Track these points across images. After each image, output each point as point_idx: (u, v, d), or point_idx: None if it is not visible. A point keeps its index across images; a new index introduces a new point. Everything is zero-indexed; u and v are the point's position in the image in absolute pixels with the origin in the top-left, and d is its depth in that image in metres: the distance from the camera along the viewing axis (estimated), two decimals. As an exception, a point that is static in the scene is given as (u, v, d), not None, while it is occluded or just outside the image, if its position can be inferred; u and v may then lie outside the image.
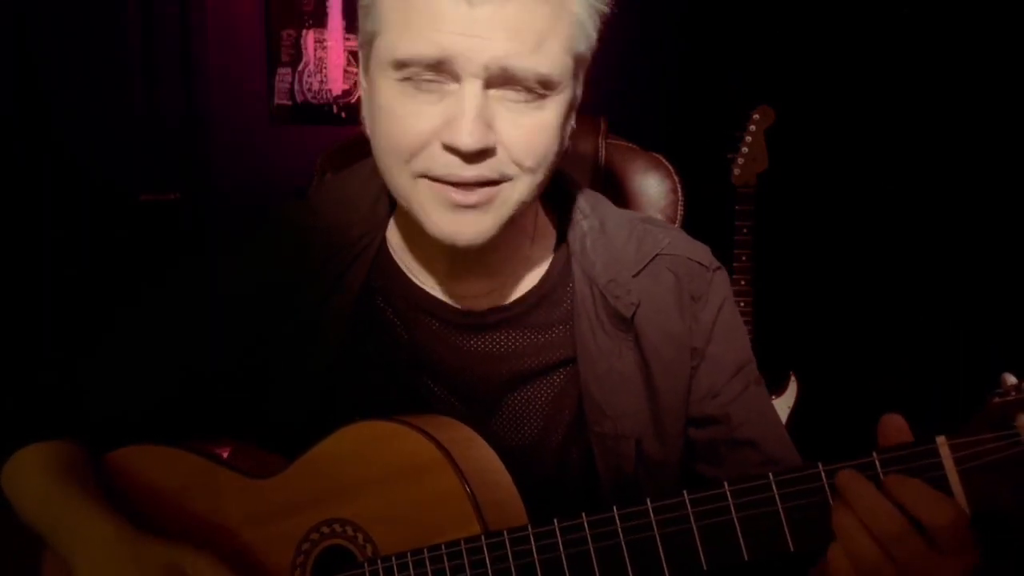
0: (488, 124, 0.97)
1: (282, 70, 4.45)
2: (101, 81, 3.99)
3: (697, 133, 2.96)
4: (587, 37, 1.01)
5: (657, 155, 1.61)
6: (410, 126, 0.99)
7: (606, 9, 1.02)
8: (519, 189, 1.03)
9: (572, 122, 1.07)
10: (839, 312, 3.19)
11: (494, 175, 1.00)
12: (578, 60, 1.02)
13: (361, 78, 1.09)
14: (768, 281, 2.74)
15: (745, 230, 2.77)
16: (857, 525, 0.81)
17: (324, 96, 4.46)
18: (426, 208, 1.02)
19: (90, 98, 3.95)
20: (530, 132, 1.00)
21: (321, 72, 4.46)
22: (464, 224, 1.02)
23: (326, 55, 4.46)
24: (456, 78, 0.96)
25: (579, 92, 1.07)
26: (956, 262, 2.95)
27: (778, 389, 2.90)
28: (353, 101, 4.48)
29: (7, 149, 3.72)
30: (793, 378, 2.91)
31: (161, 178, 4.11)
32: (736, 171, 2.82)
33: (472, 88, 0.96)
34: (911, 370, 3.03)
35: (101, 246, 3.86)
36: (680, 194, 1.59)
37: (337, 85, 4.47)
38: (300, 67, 4.45)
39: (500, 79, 0.96)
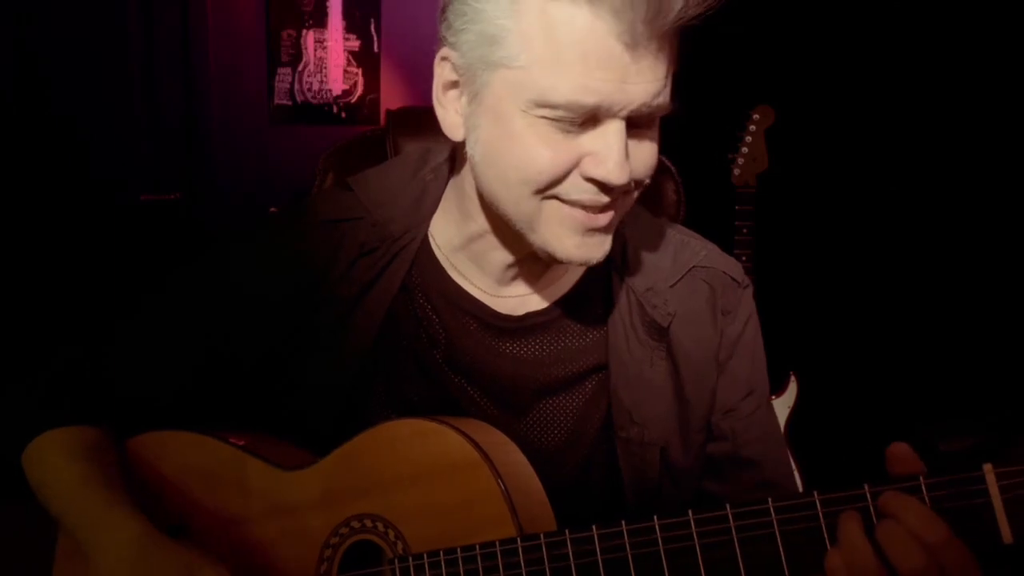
0: (628, 155, 0.98)
1: (282, 70, 4.44)
2: (102, 81, 3.97)
3: (697, 133, 2.96)
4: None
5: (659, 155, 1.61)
6: (549, 160, 0.97)
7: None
8: (627, 204, 1.06)
9: None
10: (840, 313, 3.19)
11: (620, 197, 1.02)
12: None
13: (442, 96, 1.05)
14: (768, 281, 2.75)
15: (745, 230, 2.78)
16: (906, 535, 0.81)
17: (324, 96, 4.46)
18: (556, 232, 1.02)
19: (91, 98, 3.93)
20: (649, 154, 1.02)
21: (321, 72, 4.46)
22: (594, 246, 1.03)
23: (326, 55, 4.45)
24: (598, 119, 0.96)
25: None
26: (957, 262, 2.96)
27: (778, 389, 2.91)
28: (354, 101, 4.49)
29: (9, 148, 3.71)
30: (793, 378, 2.93)
31: (161, 178, 4.10)
32: (736, 171, 2.82)
33: (619, 127, 0.96)
34: (911, 372, 3.04)
35: (103, 245, 3.85)
36: (681, 194, 1.59)
37: (337, 85, 4.47)
38: (300, 67, 4.45)
39: (641, 117, 0.97)
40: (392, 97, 4.48)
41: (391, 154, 1.56)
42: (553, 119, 0.95)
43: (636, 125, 0.98)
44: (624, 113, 0.95)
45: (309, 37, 4.44)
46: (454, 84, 1.04)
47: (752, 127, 2.82)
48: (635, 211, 1.23)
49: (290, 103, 4.45)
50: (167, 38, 4.15)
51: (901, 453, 0.86)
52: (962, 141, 2.95)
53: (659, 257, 1.19)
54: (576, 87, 0.92)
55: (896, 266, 3.10)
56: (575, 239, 1.02)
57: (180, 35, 4.18)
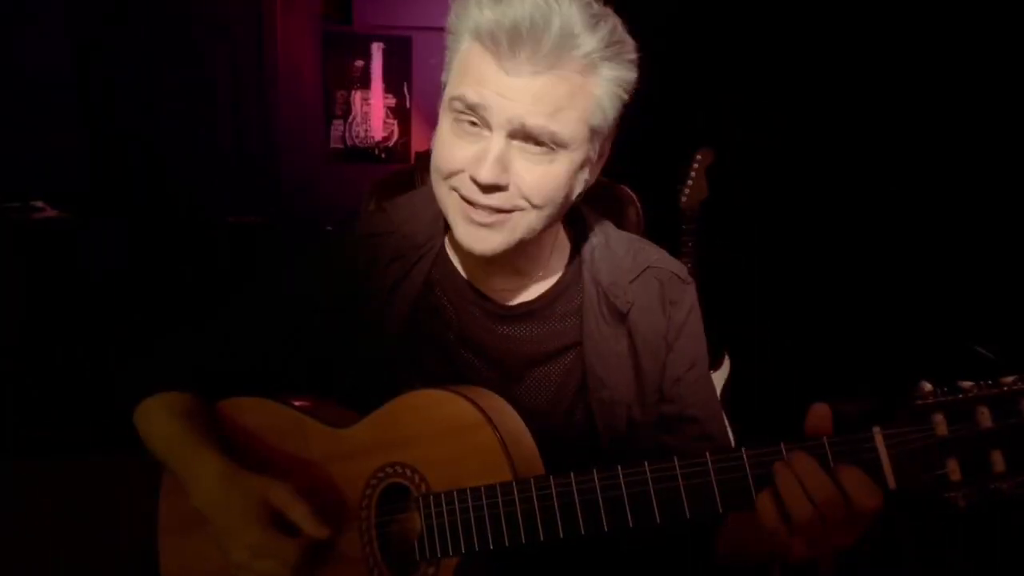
0: (505, 167, 0.97)
1: (336, 122, 4.45)
2: (197, 133, 3.99)
3: (654, 170, 2.96)
4: (603, 114, 1.00)
5: (624, 187, 1.61)
6: (452, 154, 0.99)
7: (627, 98, 1.02)
8: (528, 219, 1.02)
9: (586, 175, 1.06)
10: (764, 305, 3.19)
11: (505, 205, 0.99)
12: (594, 130, 1.01)
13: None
14: (708, 282, 2.74)
15: (690, 244, 2.76)
16: (802, 493, 0.82)
17: (368, 141, 4.46)
18: (454, 218, 1.03)
19: (190, 146, 3.94)
20: (540, 177, 0.99)
21: (366, 123, 4.46)
22: (479, 238, 1.01)
23: (370, 110, 4.45)
24: (488, 127, 0.96)
25: (593, 155, 1.05)
26: (867, 266, 2.95)
27: (714, 364, 2.89)
28: (391, 145, 4.48)
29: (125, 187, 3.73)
30: (727, 356, 2.91)
31: (244, 204, 4.11)
32: (683, 199, 2.80)
33: (498, 137, 0.96)
34: (821, 351, 3.03)
35: (198, 257, 3.86)
36: (640, 216, 1.58)
37: (378, 133, 4.47)
38: (350, 119, 4.45)
39: (520, 133, 0.96)
40: (420, 141, 4.48)
41: (418, 185, 1.55)
42: (459, 119, 0.98)
43: (527, 147, 0.97)
44: (502, 121, 0.95)
45: (356, 96, 4.44)
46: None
47: (696, 164, 2.81)
48: (603, 224, 1.23)
49: (342, 147, 4.45)
50: (249, 98, 4.17)
51: (821, 411, 0.85)
52: (857, 163, 2.95)
53: (621, 259, 1.18)
54: (468, 88, 0.96)
55: (809, 270, 3.09)
56: (463, 226, 1.02)
57: (259, 96, 4.19)
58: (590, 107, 0.98)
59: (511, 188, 0.98)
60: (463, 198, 1.00)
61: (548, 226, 1.06)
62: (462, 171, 0.99)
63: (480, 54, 0.96)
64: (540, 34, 0.91)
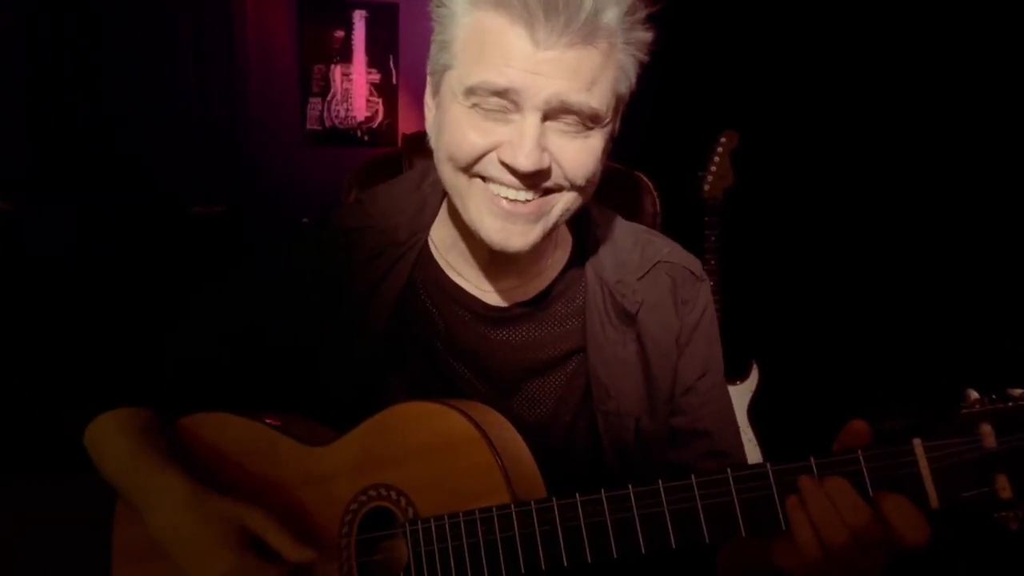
0: (543, 149, 0.97)
1: (313, 99, 4.45)
2: (156, 112, 3.98)
3: (673, 154, 2.96)
4: (628, 80, 1.02)
5: (639, 173, 1.61)
6: (472, 140, 0.99)
7: (645, 59, 1.03)
8: (565, 201, 1.03)
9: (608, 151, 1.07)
10: (796, 309, 3.19)
11: (544, 189, 1.00)
12: (619, 98, 1.03)
13: (429, 99, 1.09)
14: (734, 282, 2.74)
15: (713, 238, 2.77)
16: (839, 520, 0.82)
17: (349, 122, 4.47)
18: (481, 212, 1.02)
19: (148, 124, 3.94)
20: (581, 154, 1.00)
21: (347, 101, 4.46)
22: (515, 233, 1.02)
23: (351, 86, 4.46)
24: (518, 108, 0.96)
25: (617, 126, 1.07)
26: (908, 265, 2.95)
27: (741, 376, 2.90)
28: (376, 126, 4.49)
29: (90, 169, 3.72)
30: (754, 366, 2.92)
31: (209, 193, 4.10)
32: (706, 187, 2.81)
33: (533, 119, 0.96)
34: (858, 360, 3.03)
35: (155, 249, 3.86)
36: (659, 206, 1.58)
37: (360, 113, 4.48)
38: (329, 97, 4.45)
39: (558, 111, 0.97)
40: (408, 122, 4.49)
41: (406, 171, 1.55)
42: (478, 105, 0.97)
43: (558, 121, 0.98)
44: (538, 101, 0.95)
45: (336, 71, 4.45)
46: (433, 89, 1.06)
47: (720, 148, 2.82)
48: (606, 215, 1.23)
49: (320, 128, 4.46)
50: (215, 72, 4.17)
51: (858, 429, 0.86)
52: (895, 152, 2.95)
53: (628, 253, 1.19)
54: (490, 71, 0.94)
55: (848, 270, 3.10)
56: (497, 223, 1.01)
57: (226, 69, 4.19)
58: (617, 74, 1.00)
59: (553, 169, 0.99)
60: (496, 181, 1.00)
61: (578, 211, 1.07)
62: (485, 158, 0.99)
63: (499, 26, 0.94)
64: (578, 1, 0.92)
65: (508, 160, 0.97)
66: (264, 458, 1.10)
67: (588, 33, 0.93)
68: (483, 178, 1.01)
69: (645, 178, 1.59)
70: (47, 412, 1.23)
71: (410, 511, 1.00)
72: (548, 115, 0.97)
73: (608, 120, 1.01)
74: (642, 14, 1.00)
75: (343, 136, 4.48)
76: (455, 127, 1.00)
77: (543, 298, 1.17)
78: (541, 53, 0.93)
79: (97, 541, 1.18)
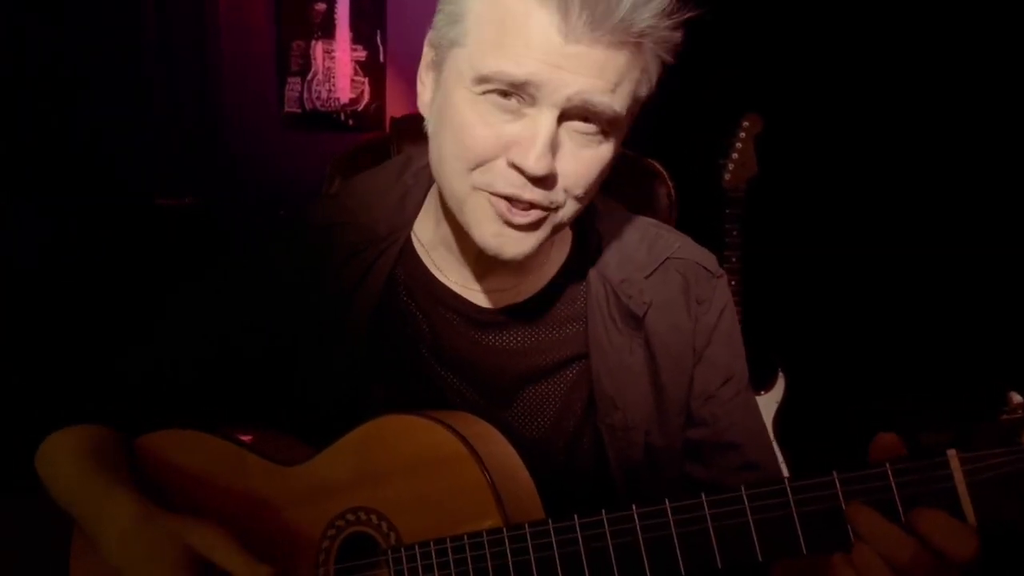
0: (554, 152, 0.97)
1: (292, 79, 4.45)
2: (119, 88, 3.98)
3: (690, 140, 2.96)
4: (649, 83, 1.02)
5: (652, 161, 1.61)
6: (481, 138, 0.98)
7: (670, 60, 1.02)
8: (564, 213, 1.03)
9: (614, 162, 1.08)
10: (825, 312, 3.19)
11: (543, 202, 1.00)
12: (637, 101, 1.02)
13: (424, 74, 1.07)
14: (757, 282, 2.75)
15: (735, 232, 2.77)
16: (879, 562, 0.80)
17: (332, 104, 4.47)
18: (478, 217, 1.02)
19: (109, 106, 3.94)
20: (587, 164, 1.00)
21: (329, 81, 4.46)
22: (511, 241, 1.02)
23: (334, 65, 4.46)
24: (534, 103, 0.96)
25: (627, 132, 1.06)
26: (943, 262, 2.96)
27: (766, 385, 2.90)
28: (361, 109, 4.49)
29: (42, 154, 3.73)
30: (781, 374, 2.92)
31: (176, 183, 4.10)
32: (727, 176, 2.81)
33: (549, 117, 0.96)
34: (893, 368, 3.04)
35: (118, 245, 3.86)
36: (673, 198, 1.59)
37: (344, 94, 4.48)
38: (309, 76, 4.45)
39: (576, 112, 0.97)
40: (396, 104, 4.48)
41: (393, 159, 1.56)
42: (488, 93, 0.96)
43: (578, 127, 0.98)
44: (558, 98, 0.94)
45: (318, 48, 4.44)
46: (433, 64, 1.05)
47: (742, 134, 2.82)
48: (610, 207, 1.23)
49: (300, 111, 4.46)
50: (183, 48, 4.17)
51: (887, 442, 0.84)
52: (948, 143, 2.95)
53: (634, 249, 1.19)
54: (509, 59, 0.93)
55: (878, 268, 3.10)
56: (494, 227, 1.01)
57: (195, 45, 4.19)
58: (640, 76, 0.99)
59: (556, 179, 0.99)
60: (497, 194, 1.00)
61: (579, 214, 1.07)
62: (495, 159, 0.99)
63: (525, 8, 0.93)
64: None
65: (518, 162, 0.97)
66: (232, 478, 1.10)
67: (622, 30, 0.93)
68: (490, 192, 1.00)
69: (659, 166, 1.59)
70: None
71: (392, 536, 1.01)
72: (564, 115, 0.96)
73: (624, 125, 1.01)
74: (678, 17, 0.99)
75: (325, 120, 4.48)
76: (460, 118, 0.99)
77: (540, 299, 1.17)
78: (569, 46, 0.92)
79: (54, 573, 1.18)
